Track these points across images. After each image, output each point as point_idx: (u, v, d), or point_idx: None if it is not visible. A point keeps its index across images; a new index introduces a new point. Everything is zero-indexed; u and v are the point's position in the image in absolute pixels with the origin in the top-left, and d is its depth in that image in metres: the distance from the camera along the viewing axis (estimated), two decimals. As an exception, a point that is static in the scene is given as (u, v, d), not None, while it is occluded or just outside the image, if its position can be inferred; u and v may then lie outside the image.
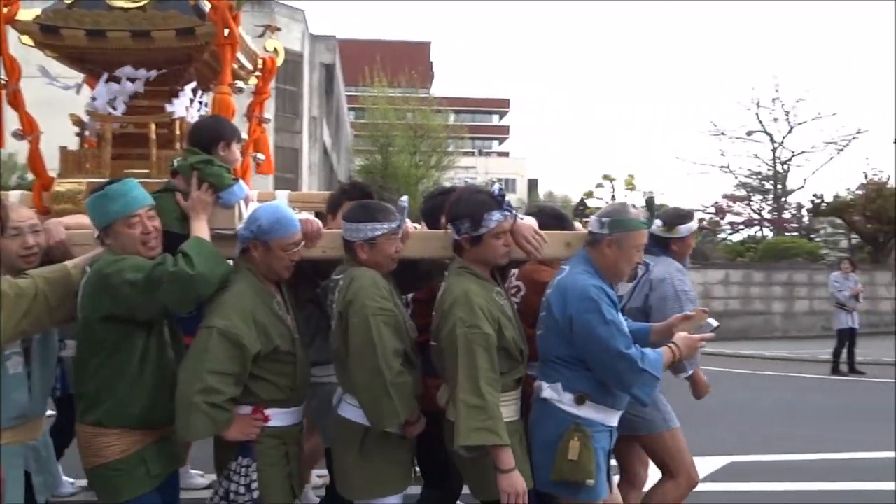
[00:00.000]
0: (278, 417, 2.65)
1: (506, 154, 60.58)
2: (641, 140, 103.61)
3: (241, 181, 2.94)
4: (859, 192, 21.77)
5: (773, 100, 26.19)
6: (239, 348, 2.49)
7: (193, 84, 3.78)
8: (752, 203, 26.48)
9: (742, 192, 26.46)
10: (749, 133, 25.51)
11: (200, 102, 3.93)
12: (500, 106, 64.46)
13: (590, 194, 26.27)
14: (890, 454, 5.96)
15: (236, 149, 3.11)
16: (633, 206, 2.93)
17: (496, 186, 2.86)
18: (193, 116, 3.78)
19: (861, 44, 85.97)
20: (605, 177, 26.55)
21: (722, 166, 26.76)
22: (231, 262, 2.72)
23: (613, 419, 2.76)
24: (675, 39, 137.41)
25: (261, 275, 2.69)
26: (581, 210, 23.10)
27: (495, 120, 64.99)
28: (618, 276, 2.86)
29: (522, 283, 3.23)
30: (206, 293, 2.54)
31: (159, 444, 2.59)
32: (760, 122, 25.19)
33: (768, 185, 26.39)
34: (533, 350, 2.85)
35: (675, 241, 3.68)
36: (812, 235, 25.14)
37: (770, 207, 26.36)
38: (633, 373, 2.59)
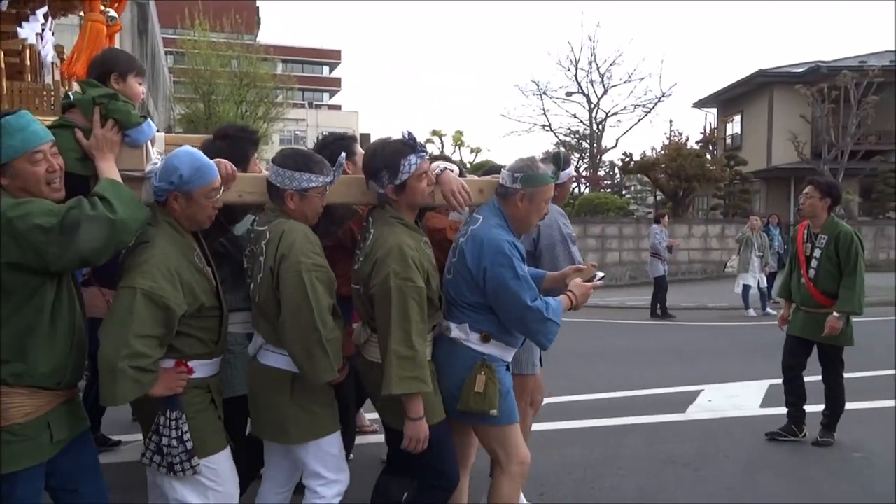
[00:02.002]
0: (201, 369, 2.60)
1: (337, 107, 59.48)
2: (469, 96, 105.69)
3: (149, 119, 2.65)
4: (663, 151, 23.72)
5: (590, 62, 27.82)
6: (165, 310, 2.37)
7: (45, 9, 3.28)
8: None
9: (563, 150, 27.92)
10: (568, 94, 26.83)
11: (51, 32, 3.44)
12: (331, 58, 63.01)
13: (419, 150, 26.47)
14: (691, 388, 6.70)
15: (133, 82, 2.78)
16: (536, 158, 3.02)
17: (405, 131, 2.84)
18: (45, 47, 3.29)
19: (668, 10, 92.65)
20: (435, 132, 26.93)
21: (544, 125, 28.03)
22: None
23: (510, 356, 2.99)
24: None
25: (181, 226, 2.55)
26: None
27: (326, 72, 63.47)
28: (528, 227, 3.04)
29: None
30: (127, 240, 2.34)
31: (66, 406, 2.37)
32: (578, 83, 26.57)
33: (585, 144, 27.98)
34: None
35: (557, 186, 3.79)
36: (623, 192, 27.13)
37: (586, 165, 28.04)
38: (539, 322, 2.80)
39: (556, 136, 28.10)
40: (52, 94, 4.38)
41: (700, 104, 31.49)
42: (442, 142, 26.89)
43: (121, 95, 2.61)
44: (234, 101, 26.94)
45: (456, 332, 2.88)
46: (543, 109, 28.88)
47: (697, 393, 6.59)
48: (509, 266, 2.78)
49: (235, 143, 3.00)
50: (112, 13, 3.53)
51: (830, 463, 4.73)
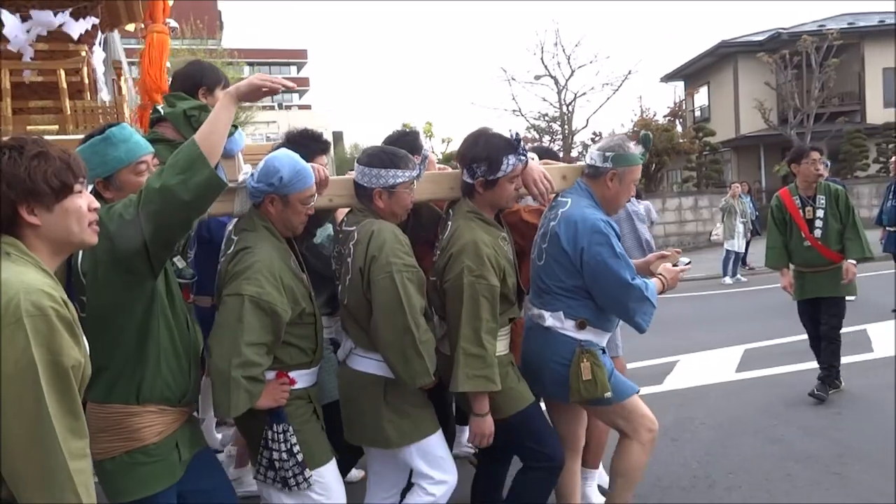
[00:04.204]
0: (302, 379, 2.55)
1: (308, 107, 59.13)
2: (438, 87, 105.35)
3: (239, 129, 2.62)
4: (634, 128, 23.86)
5: (555, 44, 27.96)
6: (273, 316, 2.33)
7: (96, 20, 3.23)
8: (542, 144, 28.13)
9: (533, 134, 27.98)
10: (536, 77, 26.85)
11: (100, 45, 3.39)
12: (297, 57, 62.61)
13: (391, 144, 26.44)
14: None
15: (221, 95, 2.71)
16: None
17: (512, 131, 2.82)
18: (98, 63, 3.24)
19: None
20: (405, 125, 26.77)
21: (514, 110, 28.05)
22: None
23: (605, 341, 2.96)
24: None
25: (277, 231, 2.51)
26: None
27: (293, 72, 63.03)
28: (617, 207, 3.02)
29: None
30: (191, 213, 2.10)
31: (188, 425, 2.31)
32: (545, 66, 26.60)
33: (556, 126, 28.05)
34: (525, 281, 2.96)
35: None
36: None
37: (558, 147, 28.16)
38: (639, 301, 2.76)
39: (527, 120, 28.13)
40: (114, 111, 4.29)
41: (667, 78, 31.67)
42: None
43: (209, 107, 2.59)
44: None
45: (551, 320, 2.85)
46: (512, 95, 28.93)
47: (674, 364, 6.72)
48: (607, 244, 2.75)
49: (301, 148, 2.84)
50: (173, 23, 3.48)
51: (802, 420, 4.87)
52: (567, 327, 2.84)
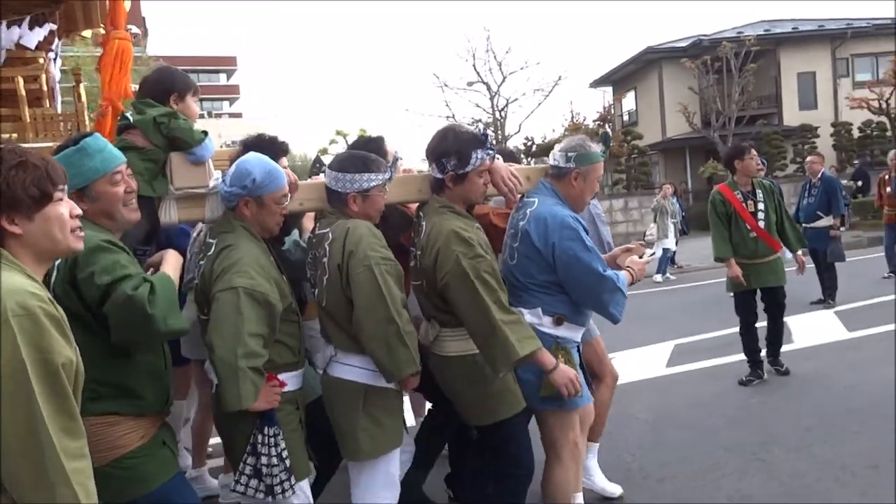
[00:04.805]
0: (291, 381, 2.56)
1: (238, 115, 58.03)
2: (371, 94, 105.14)
3: (209, 135, 2.61)
4: (565, 133, 24.34)
5: (487, 51, 28.29)
6: (267, 307, 2.35)
7: (54, 27, 3.06)
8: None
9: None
10: (469, 84, 27.09)
11: (56, 53, 3.22)
12: (227, 64, 61.34)
13: (324, 151, 26.12)
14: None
15: (191, 101, 2.73)
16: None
17: (480, 125, 2.80)
18: (55, 71, 3.07)
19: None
20: (338, 132, 26.68)
21: (447, 116, 28.21)
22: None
23: (580, 335, 3.05)
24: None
25: (255, 232, 2.54)
26: (318, 167, 22.96)
27: (223, 79, 61.81)
28: (583, 205, 3.09)
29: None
30: (152, 340, 2.18)
31: (167, 427, 2.34)
32: (477, 72, 26.88)
33: (489, 132, 28.39)
34: None
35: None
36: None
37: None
38: (612, 292, 2.84)
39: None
40: (74, 118, 4.08)
41: (596, 84, 32.42)
42: (346, 141, 26.67)
43: (179, 114, 2.59)
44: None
45: (529, 317, 2.87)
46: (446, 101, 29.14)
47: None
48: (577, 238, 2.82)
49: (266, 153, 2.86)
50: (135, 29, 3.36)
51: (729, 411, 5.08)
52: (545, 324, 2.89)
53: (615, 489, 3.78)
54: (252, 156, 2.55)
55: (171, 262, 2.34)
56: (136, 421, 2.18)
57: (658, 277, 13.17)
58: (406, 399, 3.24)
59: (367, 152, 2.84)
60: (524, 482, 2.95)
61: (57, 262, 2.03)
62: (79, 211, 1.70)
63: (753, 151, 5.62)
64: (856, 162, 23.28)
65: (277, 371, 2.48)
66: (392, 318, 2.50)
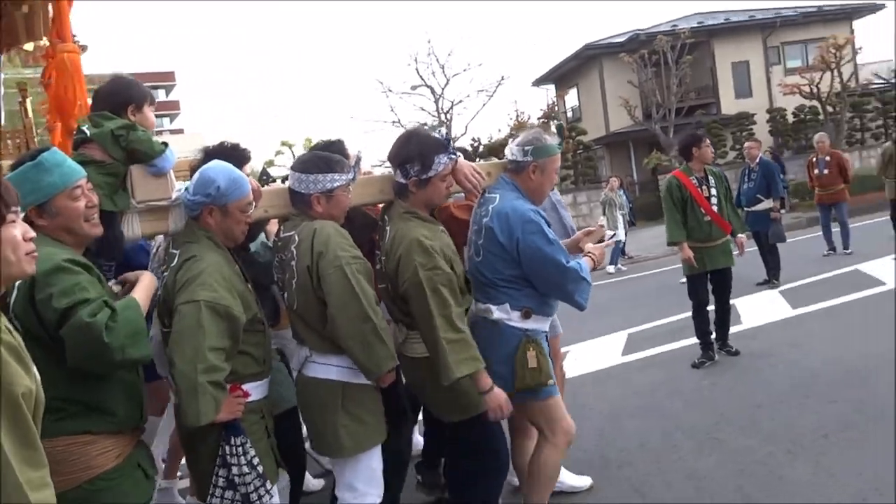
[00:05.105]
0: (255, 390, 2.53)
1: (180, 131, 57.01)
2: (315, 103, 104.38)
3: (170, 147, 2.54)
4: (511, 132, 24.54)
5: (429, 54, 28.48)
6: (229, 320, 2.32)
7: None
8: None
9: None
10: (413, 88, 27.16)
11: None
12: (165, 80, 60.27)
13: (271, 163, 26.01)
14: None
15: (149, 111, 2.66)
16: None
17: (442, 130, 2.81)
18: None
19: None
20: (284, 143, 26.51)
21: (393, 121, 28.21)
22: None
23: (548, 325, 3.10)
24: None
25: (219, 240, 2.50)
26: (265, 179, 22.75)
27: (162, 95, 60.66)
28: (543, 197, 3.13)
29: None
30: (106, 369, 2.09)
31: (144, 447, 2.29)
32: (421, 76, 26.96)
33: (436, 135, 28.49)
34: None
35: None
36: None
37: (440, 155, 28.55)
38: (576, 282, 2.89)
39: (406, 129, 28.47)
40: (23, 134, 3.90)
41: (538, 82, 32.77)
42: (292, 152, 26.47)
43: (138, 125, 2.55)
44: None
45: (497, 312, 2.93)
46: (390, 106, 29.09)
47: (565, 355, 6.95)
48: (540, 232, 2.87)
49: (229, 161, 2.82)
50: (82, 41, 3.23)
51: (683, 394, 5.20)
52: (514, 319, 2.94)
53: (584, 482, 3.82)
54: (215, 163, 2.53)
55: (145, 284, 2.30)
56: (111, 439, 2.13)
57: (611, 269, 13.37)
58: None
59: (329, 153, 2.84)
60: (503, 472, 3.04)
61: (17, 282, 1.96)
62: (32, 234, 1.64)
63: (707, 140, 5.87)
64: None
65: (242, 381, 2.47)
66: (367, 315, 2.52)
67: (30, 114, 4.74)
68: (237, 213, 2.51)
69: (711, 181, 5.80)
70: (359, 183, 2.92)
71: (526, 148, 3.03)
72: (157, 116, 2.53)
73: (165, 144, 2.58)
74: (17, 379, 1.42)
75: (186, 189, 2.53)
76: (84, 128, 2.58)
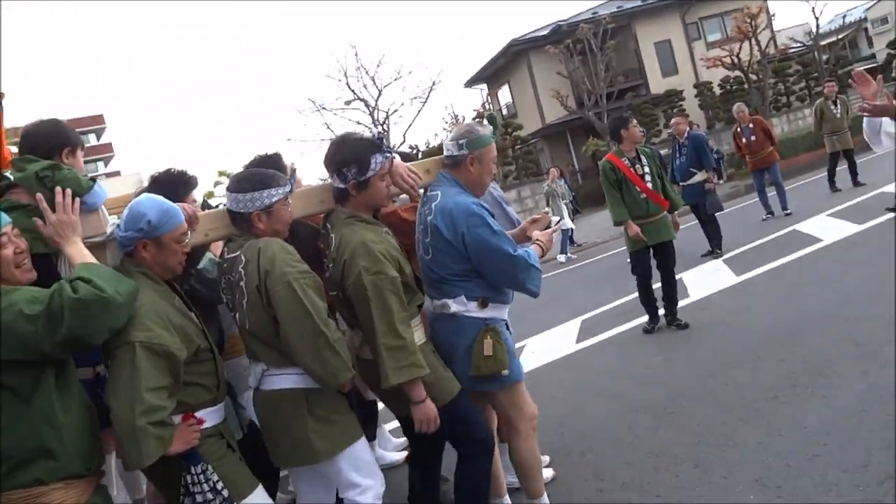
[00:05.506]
0: (210, 417, 2.51)
1: (117, 174, 55.76)
2: (252, 129, 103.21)
3: (99, 182, 2.48)
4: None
5: (358, 68, 28.36)
6: (167, 358, 2.28)
7: None
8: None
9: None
10: (346, 103, 27.06)
11: None
12: (95, 123, 58.88)
13: (210, 194, 25.57)
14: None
15: (80, 155, 2.63)
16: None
17: (375, 131, 2.81)
18: None
19: (421, 6, 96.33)
20: (221, 173, 26.11)
21: (330, 138, 28.01)
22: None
23: (506, 312, 3.13)
24: (251, 23, 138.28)
25: (156, 275, 2.46)
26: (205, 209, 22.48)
27: (93, 139, 59.25)
28: (483, 188, 3.14)
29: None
30: (122, 318, 2.17)
31: (101, 494, 2.24)
32: (352, 90, 26.87)
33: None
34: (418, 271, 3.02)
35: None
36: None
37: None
38: (525, 270, 2.91)
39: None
40: None
41: (470, 83, 33.00)
42: (232, 181, 26.10)
43: (62, 165, 2.49)
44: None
45: (455, 306, 2.95)
46: (326, 123, 28.91)
47: (522, 348, 6.97)
48: (484, 224, 2.88)
49: (167, 187, 2.78)
50: (2, 89, 3.13)
51: (639, 374, 5.23)
52: (471, 309, 2.96)
53: (546, 474, 3.79)
54: (145, 197, 2.49)
55: (77, 254, 2.30)
56: (65, 490, 2.08)
57: (561, 258, 13.49)
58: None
59: (262, 169, 2.82)
60: (487, 457, 3.02)
61: None
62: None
63: (634, 120, 6.02)
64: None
65: (194, 410, 2.45)
66: (319, 330, 2.50)
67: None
68: (172, 245, 2.47)
69: (643, 160, 5.98)
70: (298, 195, 2.90)
71: (461, 141, 3.04)
72: (89, 161, 2.45)
73: (94, 180, 2.53)
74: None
75: (117, 226, 2.49)
76: (7, 174, 2.56)
